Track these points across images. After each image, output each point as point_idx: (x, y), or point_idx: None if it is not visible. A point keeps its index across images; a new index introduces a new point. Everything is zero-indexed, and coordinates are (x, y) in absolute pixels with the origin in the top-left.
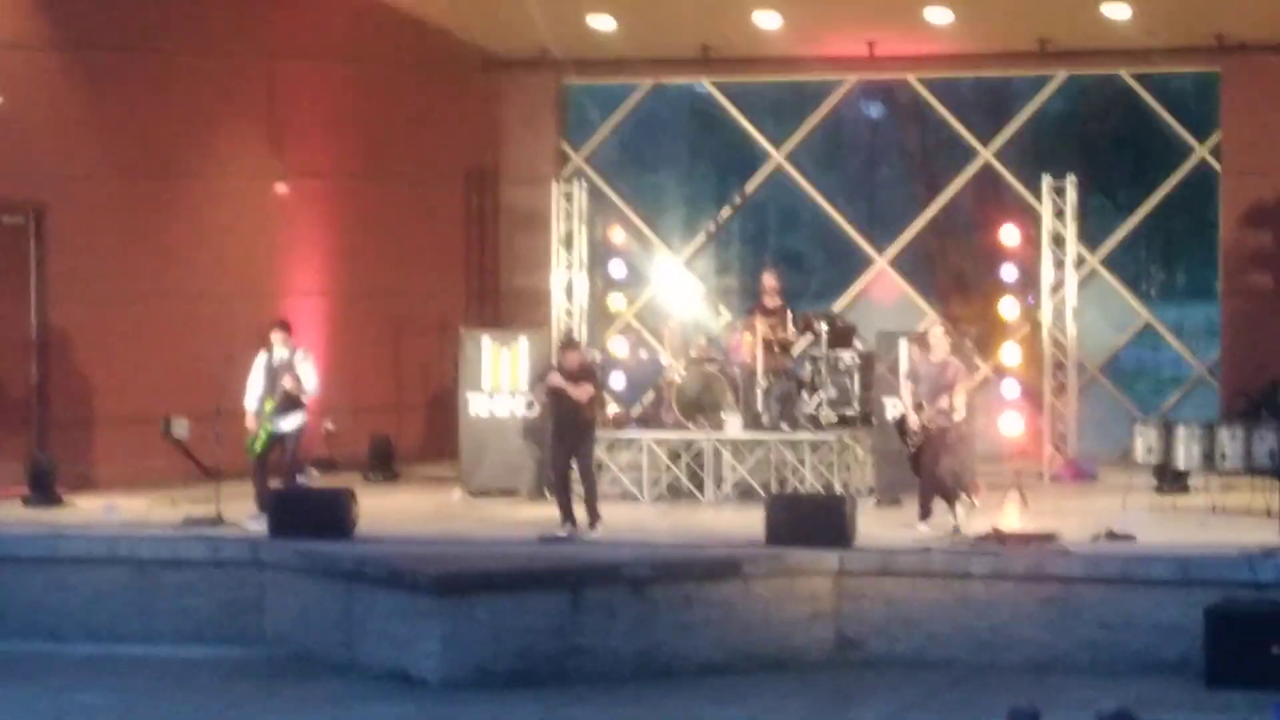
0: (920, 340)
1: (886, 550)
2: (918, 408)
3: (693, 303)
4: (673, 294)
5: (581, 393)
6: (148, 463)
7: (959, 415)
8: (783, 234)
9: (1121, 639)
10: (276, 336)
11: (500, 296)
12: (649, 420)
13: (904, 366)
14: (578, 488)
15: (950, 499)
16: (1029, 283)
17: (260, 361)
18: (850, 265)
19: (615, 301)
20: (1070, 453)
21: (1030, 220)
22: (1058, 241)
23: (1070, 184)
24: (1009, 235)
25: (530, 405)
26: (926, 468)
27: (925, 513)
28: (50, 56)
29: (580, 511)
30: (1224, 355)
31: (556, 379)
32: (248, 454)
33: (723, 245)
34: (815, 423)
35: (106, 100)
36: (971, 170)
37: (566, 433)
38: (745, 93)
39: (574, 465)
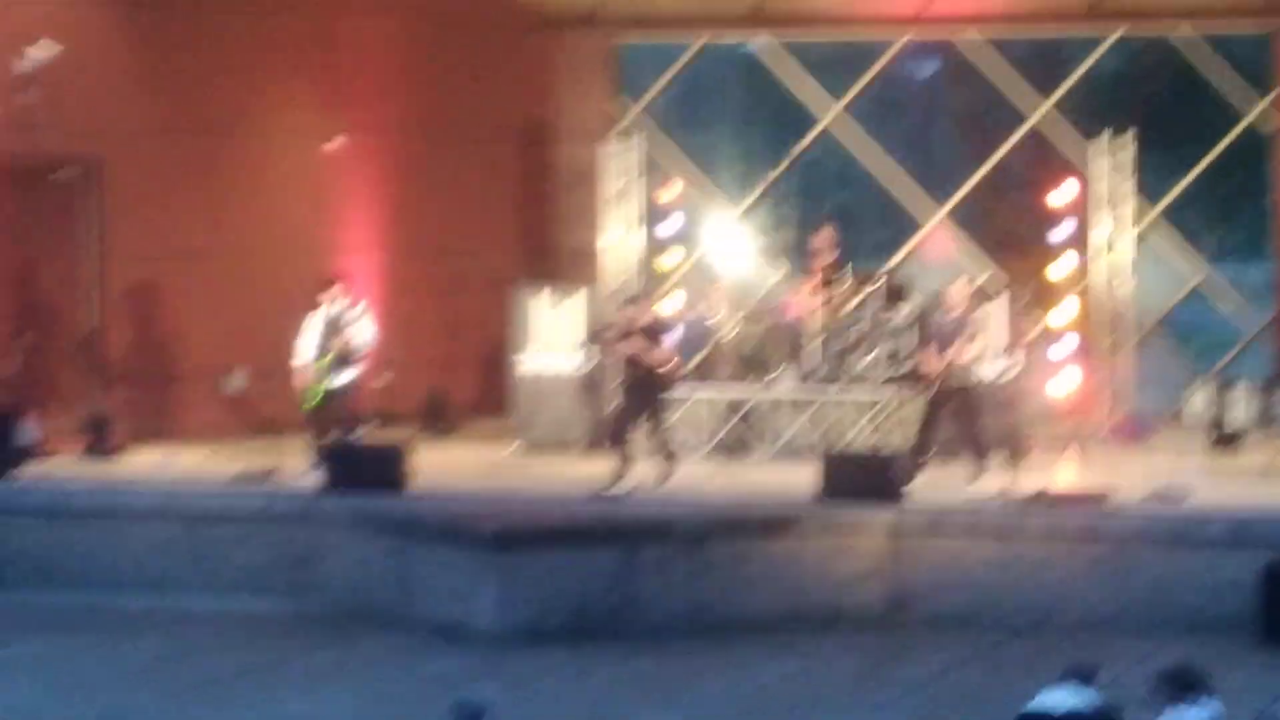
0: (942, 296)
1: (939, 509)
2: (938, 358)
3: (746, 260)
4: (726, 251)
5: (658, 357)
6: (205, 416)
7: (966, 366)
8: (837, 191)
9: (1175, 598)
10: (328, 293)
11: (554, 253)
12: (702, 376)
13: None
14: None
15: (982, 456)
16: (1084, 241)
17: (314, 317)
18: (903, 224)
19: (669, 258)
20: (1125, 411)
21: (1085, 178)
22: (1113, 200)
23: (1128, 140)
24: (1064, 193)
25: (585, 361)
26: (963, 425)
27: (979, 468)
28: (104, 11)
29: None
30: (1278, 314)
31: (633, 347)
32: (302, 408)
33: (777, 202)
34: (868, 381)
35: (161, 56)
36: (1024, 129)
37: (643, 390)
38: (798, 50)
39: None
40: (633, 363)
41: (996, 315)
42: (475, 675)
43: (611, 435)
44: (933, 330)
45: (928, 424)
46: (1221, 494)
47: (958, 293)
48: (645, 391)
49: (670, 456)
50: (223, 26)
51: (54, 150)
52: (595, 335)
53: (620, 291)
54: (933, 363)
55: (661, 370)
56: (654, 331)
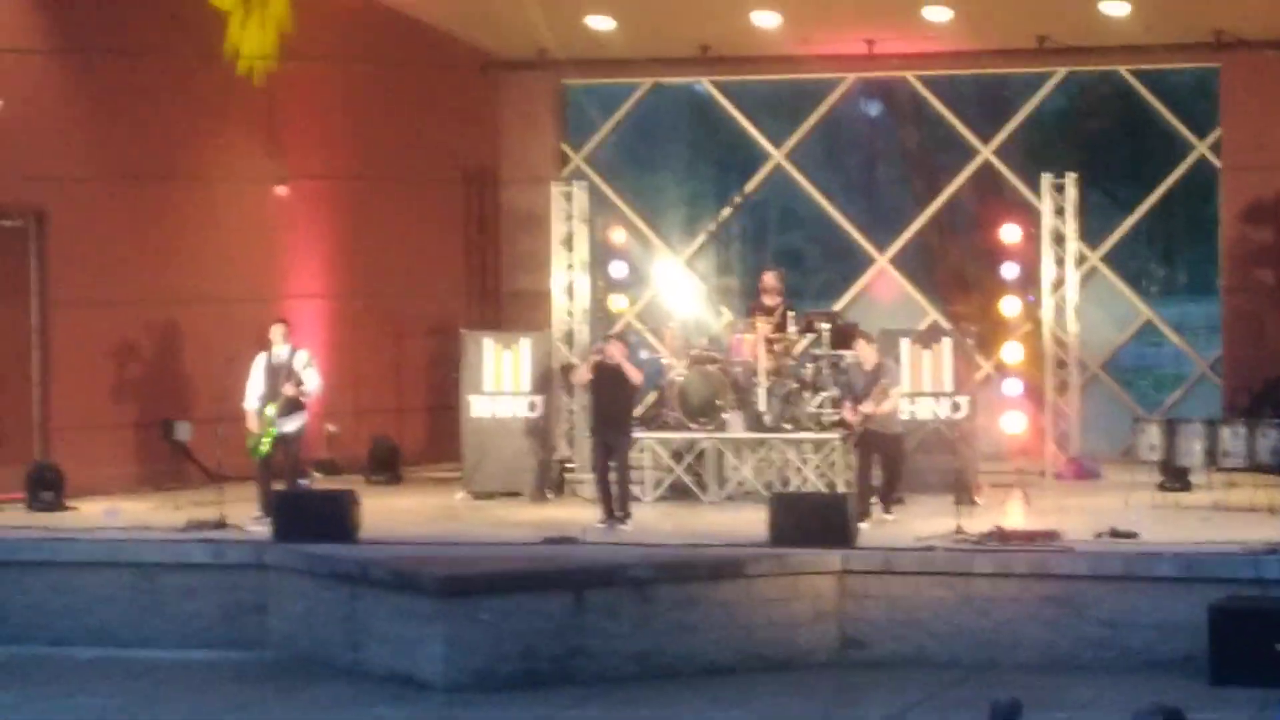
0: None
1: (889, 549)
2: (852, 410)
3: (694, 302)
4: (674, 294)
5: (635, 373)
6: (151, 466)
7: (889, 414)
8: (783, 233)
9: (1125, 637)
10: (276, 333)
11: (501, 297)
12: (651, 420)
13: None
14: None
15: (889, 500)
16: (1030, 280)
17: (260, 361)
18: (851, 264)
19: (616, 302)
20: (1073, 451)
21: (1030, 218)
22: (1058, 239)
23: (1070, 181)
24: (1009, 233)
25: (532, 406)
26: (887, 467)
27: (885, 506)
28: (49, 60)
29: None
30: (1225, 352)
31: (616, 354)
32: (251, 455)
33: (723, 245)
34: (817, 422)
35: (105, 104)
36: (971, 168)
37: (607, 427)
38: (744, 92)
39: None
40: (597, 390)
41: (943, 355)
42: None
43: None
44: (849, 382)
45: (860, 471)
46: (1171, 532)
47: (865, 347)
48: (608, 424)
49: (625, 496)
50: (165, 73)
51: None
52: (565, 368)
53: (569, 336)
54: (850, 414)
55: (624, 400)
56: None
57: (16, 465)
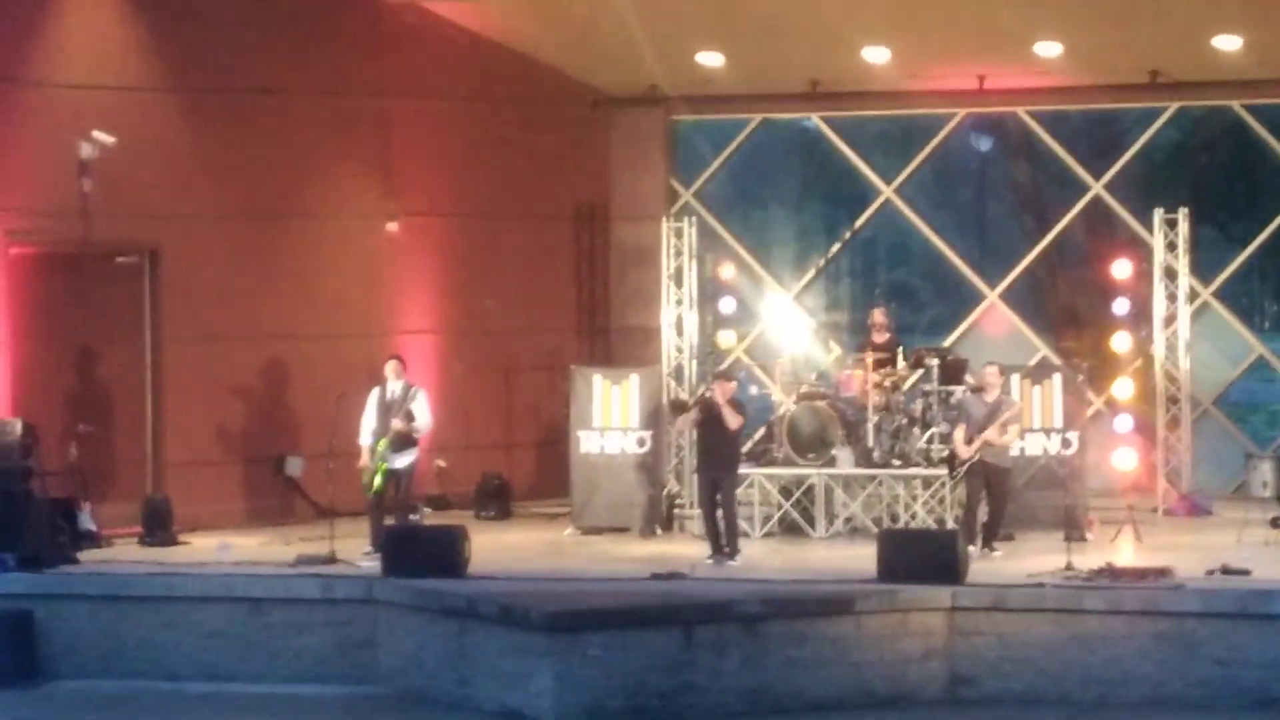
0: (977, 378)
1: (999, 585)
2: (968, 442)
3: (803, 338)
4: (783, 330)
5: (734, 419)
6: (262, 501)
7: (1006, 446)
8: (893, 268)
9: (1237, 675)
10: (391, 369)
11: (611, 333)
12: (760, 456)
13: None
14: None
15: (994, 536)
16: (1141, 316)
17: (374, 397)
18: (961, 300)
19: (725, 338)
20: (1184, 487)
21: (1142, 253)
22: (1170, 274)
23: (1182, 216)
24: (1121, 268)
25: (641, 442)
26: (994, 501)
27: (988, 541)
28: (163, 98)
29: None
30: None
31: (719, 394)
32: (364, 492)
33: (832, 280)
34: (927, 458)
35: (219, 141)
36: (1082, 203)
37: (713, 463)
38: (854, 127)
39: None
40: (704, 428)
41: (1054, 391)
42: None
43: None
44: (967, 413)
45: (970, 504)
46: None
47: (991, 376)
48: (715, 460)
49: (733, 533)
50: (278, 110)
51: (111, 237)
52: (675, 404)
53: (678, 371)
54: (961, 446)
55: (730, 437)
56: (737, 406)
57: (129, 501)
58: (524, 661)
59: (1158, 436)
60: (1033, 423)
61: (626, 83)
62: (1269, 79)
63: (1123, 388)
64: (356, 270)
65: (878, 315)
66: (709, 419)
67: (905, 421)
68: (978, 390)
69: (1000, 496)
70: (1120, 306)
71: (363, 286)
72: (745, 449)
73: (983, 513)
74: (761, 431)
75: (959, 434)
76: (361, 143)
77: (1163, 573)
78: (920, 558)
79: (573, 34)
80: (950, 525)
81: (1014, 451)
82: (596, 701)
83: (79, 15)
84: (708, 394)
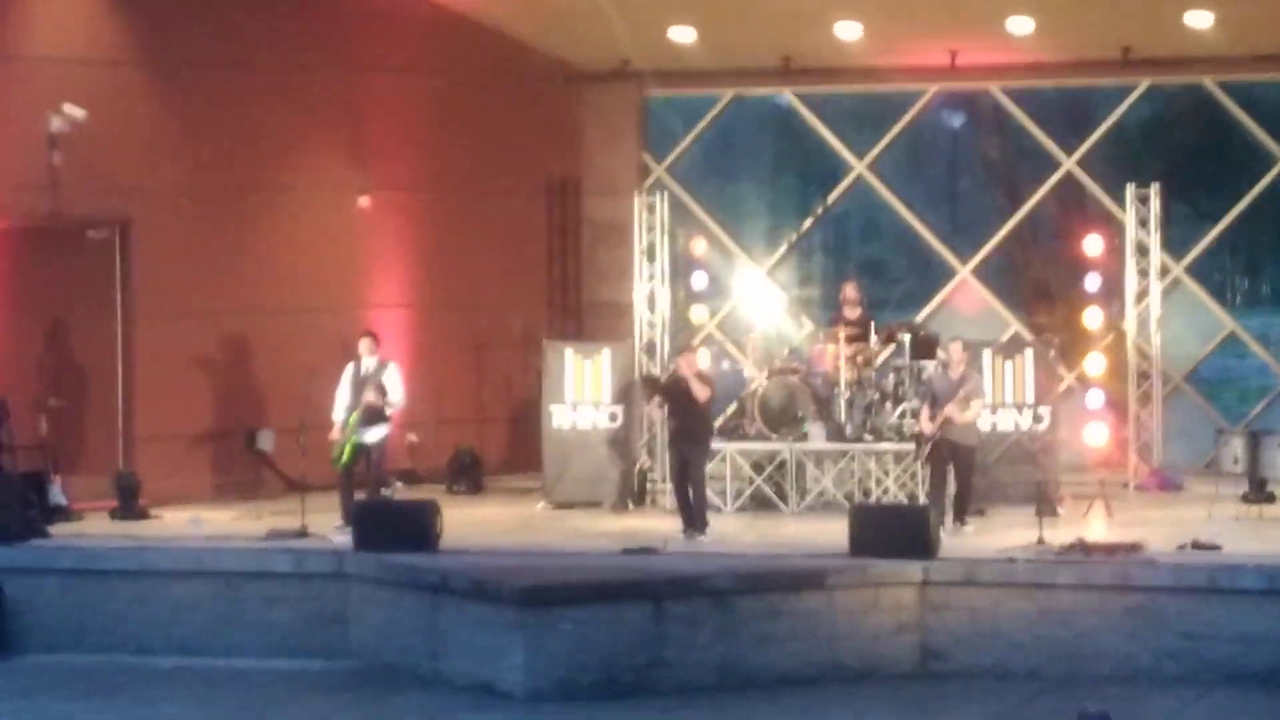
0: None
1: (970, 561)
2: (931, 419)
3: (775, 313)
4: (755, 305)
5: (701, 390)
6: (233, 476)
7: (970, 422)
8: (865, 244)
9: (1207, 649)
10: (364, 345)
11: (582, 308)
12: (732, 431)
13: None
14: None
15: (964, 512)
16: (1113, 292)
17: (348, 372)
18: (933, 275)
19: (697, 313)
20: (1155, 462)
21: (1114, 229)
22: (1141, 250)
23: (1154, 192)
24: (1092, 244)
25: (613, 417)
26: (959, 479)
27: (959, 516)
28: (134, 72)
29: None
30: None
31: (684, 368)
32: (334, 465)
33: (804, 256)
34: (898, 433)
35: (190, 115)
36: (1054, 179)
37: (683, 438)
38: (826, 103)
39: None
40: (673, 400)
41: (1025, 367)
42: None
43: (678, 486)
44: (931, 389)
45: (934, 480)
46: (1254, 544)
47: (955, 351)
48: (683, 435)
49: (701, 507)
50: (249, 85)
51: (82, 211)
52: (647, 380)
53: (650, 346)
54: (925, 423)
55: (699, 411)
56: (704, 379)
57: (100, 475)
58: (496, 636)
59: (1129, 412)
60: (1004, 398)
61: (598, 58)
62: (1240, 55)
63: (1094, 363)
64: (328, 245)
65: (849, 290)
66: (677, 395)
67: (877, 397)
68: (945, 366)
69: (965, 474)
70: (1092, 282)
71: (334, 261)
72: (717, 424)
73: (952, 488)
74: (733, 406)
75: (924, 411)
76: (333, 117)
77: (1133, 548)
78: (892, 532)
79: (545, 9)
80: (922, 500)
81: (984, 428)
82: (568, 676)
83: None
84: (674, 372)
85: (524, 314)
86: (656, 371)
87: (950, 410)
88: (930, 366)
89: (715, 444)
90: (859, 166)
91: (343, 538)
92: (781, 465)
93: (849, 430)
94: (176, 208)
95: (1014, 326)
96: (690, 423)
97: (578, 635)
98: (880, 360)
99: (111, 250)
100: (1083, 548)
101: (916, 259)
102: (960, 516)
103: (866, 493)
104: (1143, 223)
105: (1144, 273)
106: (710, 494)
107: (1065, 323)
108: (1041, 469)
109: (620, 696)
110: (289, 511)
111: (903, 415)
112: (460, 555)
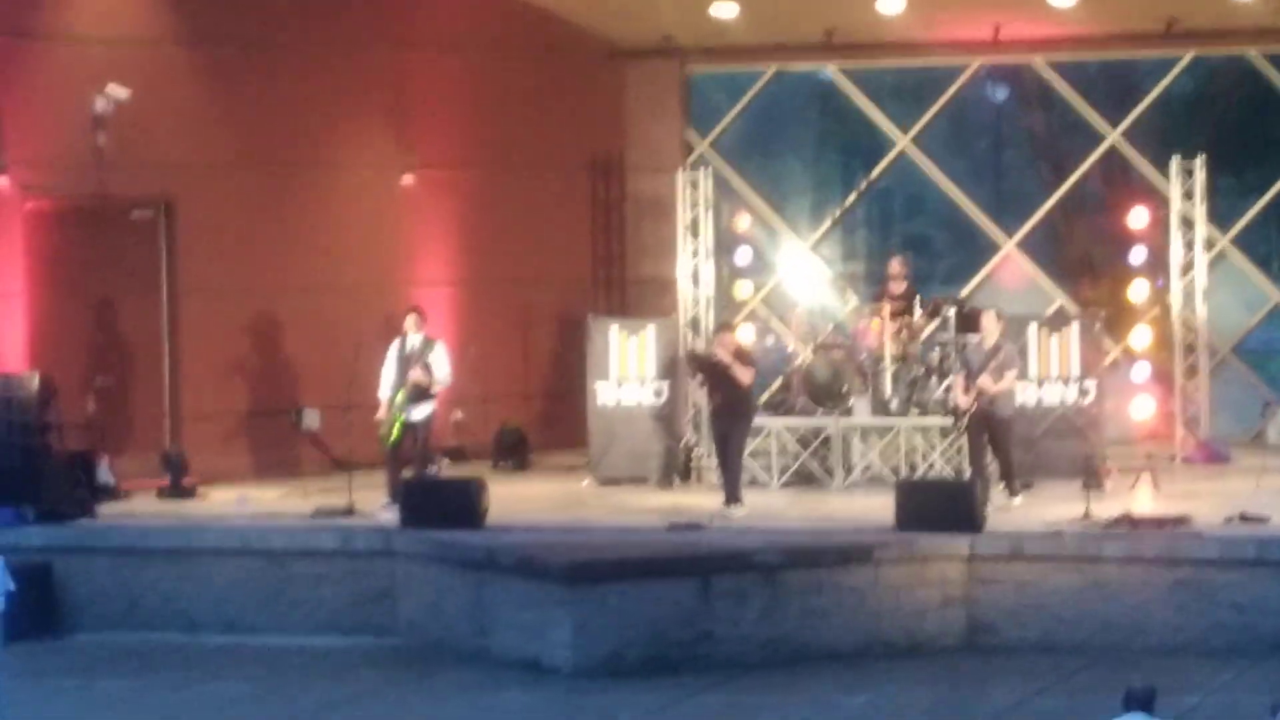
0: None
1: (1017, 534)
2: (966, 390)
3: (819, 289)
4: (799, 280)
5: (744, 373)
6: (279, 454)
7: (1004, 394)
8: (909, 219)
9: (1255, 622)
10: (410, 321)
11: (627, 285)
12: (777, 406)
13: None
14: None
15: (1012, 485)
16: (1158, 264)
17: (393, 349)
18: (977, 249)
19: (742, 289)
20: (1202, 435)
21: (1159, 202)
22: (1187, 223)
23: (1199, 164)
24: (1137, 217)
25: (658, 393)
26: (997, 452)
27: (1009, 487)
28: (178, 51)
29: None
30: None
31: (723, 354)
32: (381, 443)
33: (848, 231)
34: (944, 407)
35: (234, 94)
36: (1099, 152)
37: (724, 413)
38: (869, 78)
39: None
40: (714, 378)
41: (1071, 340)
42: (553, 710)
43: (721, 461)
44: (966, 360)
45: (973, 453)
46: None
47: (989, 323)
48: (725, 412)
49: (735, 482)
50: (294, 64)
51: (127, 190)
52: (692, 357)
53: (695, 322)
54: (961, 394)
55: (740, 389)
56: (742, 357)
57: (147, 454)
58: (543, 612)
59: (1175, 385)
60: (1050, 372)
61: (641, 34)
62: None
63: (1140, 336)
64: (373, 223)
65: (894, 265)
66: (717, 372)
67: (922, 371)
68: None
69: (1003, 445)
70: (1137, 255)
71: (379, 239)
72: (762, 400)
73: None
74: (778, 382)
75: (959, 383)
76: (377, 95)
77: (1180, 520)
78: (938, 507)
79: None
80: (967, 474)
81: (1029, 401)
82: (615, 651)
83: None
84: (712, 356)
85: (568, 291)
86: (702, 348)
87: (984, 381)
88: (972, 340)
89: (760, 419)
90: (903, 141)
91: (389, 515)
92: (826, 440)
93: (894, 405)
94: (222, 187)
95: (1059, 300)
96: (731, 399)
97: (624, 611)
98: (925, 335)
99: (156, 230)
100: (1130, 521)
101: (961, 233)
102: (1010, 488)
103: (912, 467)
104: (1188, 195)
105: (1189, 245)
106: (756, 469)
107: (1110, 296)
108: (1088, 442)
109: (667, 672)
110: (335, 489)
111: (948, 390)
112: (506, 532)
